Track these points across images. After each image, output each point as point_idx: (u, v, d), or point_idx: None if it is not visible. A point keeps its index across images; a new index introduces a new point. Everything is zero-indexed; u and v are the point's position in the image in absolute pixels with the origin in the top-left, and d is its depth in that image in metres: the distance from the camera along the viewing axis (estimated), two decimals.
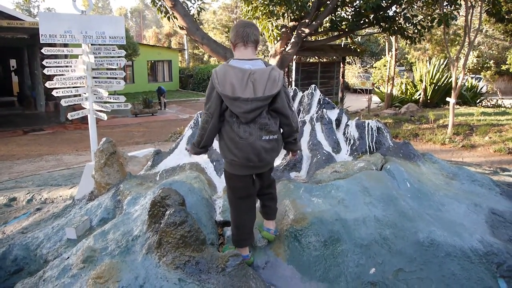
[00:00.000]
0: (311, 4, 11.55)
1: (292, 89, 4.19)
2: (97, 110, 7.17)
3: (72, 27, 6.75)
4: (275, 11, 11.50)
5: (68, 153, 11.53)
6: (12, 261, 3.04)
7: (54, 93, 6.94)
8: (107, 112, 7.11)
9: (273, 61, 11.84)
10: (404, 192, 2.88)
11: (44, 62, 7.06)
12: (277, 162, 3.47)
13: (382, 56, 18.13)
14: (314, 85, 4.18)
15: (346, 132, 3.72)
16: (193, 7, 11.20)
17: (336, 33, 12.58)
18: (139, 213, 2.67)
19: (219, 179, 3.32)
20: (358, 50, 13.36)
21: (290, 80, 13.62)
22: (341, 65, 14.12)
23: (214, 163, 3.47)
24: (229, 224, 2.93)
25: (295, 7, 11.60)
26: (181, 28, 10.67)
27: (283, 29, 11.91)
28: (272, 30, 11.74)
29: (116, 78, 7.37)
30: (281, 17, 12.00)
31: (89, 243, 2.53)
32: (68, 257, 2.56)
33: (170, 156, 3.67)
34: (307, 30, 11.50)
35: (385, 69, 16.39)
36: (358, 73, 16.48)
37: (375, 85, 17.74)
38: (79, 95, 7.09)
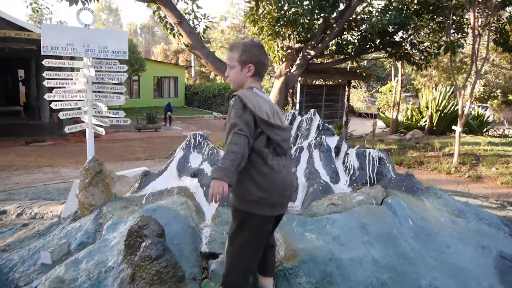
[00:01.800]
0: (317, 27, 11.51)
1: (290, 112, 4.02)
2: (95, 125, 7.05)
3: (75, 40, 6.68)
4: (281, 32, 11.47)
5: (66, 166, 11.39)
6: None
7: (52, 105, 6.84)
8: (109, 126, 6.99)
9: (278, 83, 11.75)
10: (406, 231, 2.66)
11: (44, 74, 6.98)
12: None
13: (388, 81, 18.05)
14: (313, 109, 4.01)
15: (345, 161, 3.52)
16: (199, 25, 11.18)
17: (342, 56, 12.53)
18: (117, 241, 2.47)
19: (208, 206, 3.11)
20: (364, 74, 13.26)
21: (295, 101, 13.50)
22: (347, 89, 13.99)
23: (204, 188, 3.26)
24: (215, 257, 2.71)
25: (301, 29, 11.57)
26: (186, 45, 10.63)
27: (289, 51, 11.85)
28: (278, 51, 11.68)
29: (116, 92, 7.27)
30: (287, 39, 11.96)
31: (59, 273, 2.32)
32: (36, 286, 2.35)
33: (158, 179, 3.47)
34: (312, 52, 11.43)
35: (391, 94, 16.26)
36: (364, 97, 16.36)
37: (380, 110, 17.58)
38: (78, 108, 6.97)
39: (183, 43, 10.86)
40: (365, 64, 14.24)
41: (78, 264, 2.36)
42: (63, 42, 6.70)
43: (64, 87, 6.83)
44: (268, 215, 2.04)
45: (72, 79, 6.90)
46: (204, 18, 11.24)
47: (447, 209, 3.18)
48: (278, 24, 11.34)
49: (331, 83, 14.86)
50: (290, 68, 11.75)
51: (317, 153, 3.53)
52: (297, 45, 12.07)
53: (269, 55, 12.25)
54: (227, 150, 1.88)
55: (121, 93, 7.31)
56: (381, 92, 17.36)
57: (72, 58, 7.74)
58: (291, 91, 13.44)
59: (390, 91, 16.68)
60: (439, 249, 2.60)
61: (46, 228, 4.33)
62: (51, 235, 3.42)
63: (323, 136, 3.63)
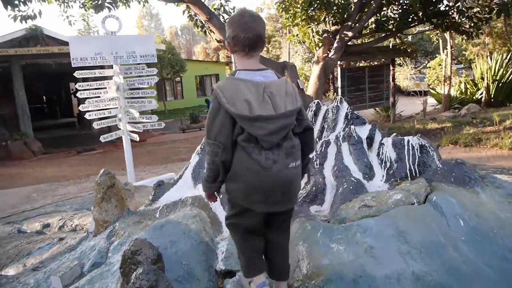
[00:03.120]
0: (353, 6, 10.82)
1: (314, 103, 3.59)
2: (130, 131, 7.02)
3: (103, 48, 6.65)
4: (315, 16, 10.90)
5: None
6: None
7: (87, 116, 6.88)
8: (160, 128, 7.00)
9: (316, 69, 11.21)
10: (456, 234, 2.18)
11: (76, 86, 7.02)
12: None
13: (437, 55, 16.78)
14: (340, 96, 3.55)
15: (380, 153, 3.05)
16: None
17: (383, 34, 11.72)
18: (119, 266, 2.23)
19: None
20: (409, 50, 12.34)
21: (336, 87, 12.88)
22: (391, 68, 13.12)
23: (221, 196, 2.95)
24: (233, 274, 2.41)
25: (336, 10, 10.94)
26: (218, 41, 10.41)
27: (325, 35, 11.26)
28: (313, 36, 11.15)
29: (148, 97, 7.20)
30: (322, 22, 11.37)
31: None
32: None
33: (173, 188, 3.20)
34: (350, 34, 10.77)
35: (441, 69, 15.07)
36: (410, 74, 15.29)
37: (430, 86, 16.40)
38: (112, 116, 6.96)
39: (215, 39, 10.66)
40: (410, 39, 13.24)
41: None
42: (92, 52, 6.68)
43: (98, 97, 6.84)
44: (253, 210, 1.86)
45: (104, 88, 6.89)
46: (234, 11, 10.96)
47: (509, 201, 2.64)
48: (311, 8, 10.81)
49: (373, 63, 14.03)
50: (328, 52, 11.17)
51: (346, 146, 3.09)
52: (333, 28, 11.45)
53: (305, 41, 11.75)
54: (206, 162, 1.88)
55: (153, 97, 7.23)
56: (429, 67, 16.16)
57: (101, 67, 7.80)
58: (331, 76, 12.85)
59: (440, 65, 15.47)
60: (501, 255, 2.10)
61: (77, 242, 4.25)
62: (77, 250, 3.29)
63: (352, 126, 3.18)
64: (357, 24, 10.95)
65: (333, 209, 2.61)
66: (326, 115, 3.43)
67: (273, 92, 1.75)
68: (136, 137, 7.10)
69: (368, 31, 12.02)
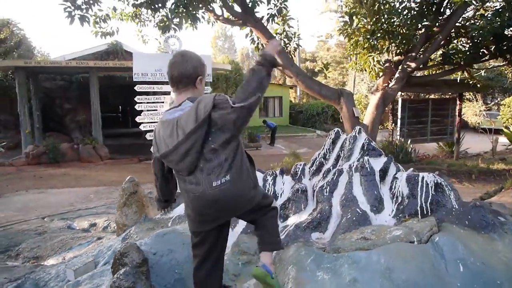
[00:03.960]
0: (418, 37, 10.53)
1: (334, 131, 3.56)
2: None
3: (162, 65, 7.12)
4: (377, 45, 10.75)
5: None
6: None
7: (141, 127, 7.35)
8: None
9: (375, 98, 10.99)
10: (451, 279, 2.04)
11: (136, 99, 7.55)
12: (302, 217, 2.88)
13: None
14: (359, 127, 3.48)
15: (393, 187, 2.95)
16: (290, 44, 11.11)
17: (450, 67, 11.22)
18: None
19: (232, 232, 2.86)
20: (479, 85, 11.66)
21: (396, 118, 12.48)
22: (458, 102, 12.46)
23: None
24: None
25: (399, 41, 10.72)
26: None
27: (387, 64, 11.03)
28: (374, 65, 10.97)
29: None
30: (385, 51, 11.18)
31: None
32: None
33: None
34: (413, 65, 10.46)
35: None
36: (480, 111, 14.36)
37: (504, 124, 15.25)
38: None
39: None
40: (483, 74, 12.51)
41: (77, 286, 2.33)
42: (152, 69, 7.18)
43: (155, 110, 7.29)
44: (197, 231, 2.07)
45: (162, 102, 7.34)
46: (294, 37, 11.16)
47: None
48: (374, 37, 10.69)
49: (438, 96, 13.41)
50: (389, 82, 10.91)
51: (358, 177, 3.02)
52: (396, 58, 11.20)
53: (365, 70, 11.59)
54: None
55: None
56: (504, 105, 15.05)
57: (161, 83, 8.31)
58: (391, 107, 12.49)
59: None
60: None
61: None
62: (97, 249, 3.53)
63: (367, 157, 3.10)
64: (421, 56, 10.63)
65: (333, 238, 2.57)
66: (343, 144, 3.40)
67: (183, 124, 1.88)
68: None
69: (434, 63, 11.59)
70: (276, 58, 2.00)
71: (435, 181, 2.79)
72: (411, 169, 3.14)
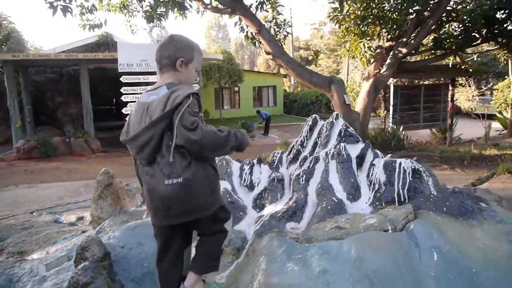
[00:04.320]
0: (409, 22, 10.40)
1: (311, 117, 3.48)
2: None
3: (148, 56, 6.96)
4: (368, 31, 10.63)
5: None
6: None
7: (127, 118, 7.24)
8: None
9: (366, 85, 10.91)
10: (424, 268, 1.97)
11: (122, 90, 7.41)
12: (278, 207, 2.81)
13: (507, 76, 15.50)
14: (336, 112, 3.40)
15: (370, 174, 2.87)
16: (280, 32, 10.96)
17: (442, 52, 11.11)
18: None
19: None
20: (471, 70, 11.56)
21: (388, 104, 12.40)
22: (450, 88, 12.38)
23: None
24: None
25: (390, 26, 10.60)
26: (267, 53, 10.50)
27: (378, 50, 10.92)
28: (365, 52, 10.85)
29: None
30: (376, 37, 11.06)
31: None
32: None
33: None
34: (404, 50, 10.37)
35: (509, 91, 13.91)
36: (473, 96, 14.27)
37: (498, 109, 15.19)
38: None
39: (264, 51, 10.76)
40: (476, 59, 12.41)
41: (43, 282, 2.26)
42: (138, 59, 7.03)
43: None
44: (154, 224, 1.99)
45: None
46: (284, 25, 11.01)
47: (511, 238, 2.36)
48: (364, 23, 10.57)
49: (430, 82, 13.32)
50: (380, 68, 10.82)
51: (334, 164, 2.94)
52: (387, 44, 11.09)
53: (356, 56, 11.48)
54: None
55: None
56: (497, 89, 14.99)
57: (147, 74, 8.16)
58: (383, 93, 12.39)
59: (509, 87, 14.31)
60: None
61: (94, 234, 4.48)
62: (72, 243, 3.46)
63: (343, 144, 3.02)
64: (413, 41, 10.52)
65: (308, 228, 2.50)
66: (321, 131, 3.31)
67: (152, 110, 1.80)
68: None
69: (425, 48, 11.48)
70: (242, 148, 1.92)
71: (413, 167, 2.71)
72: (389, 155, 3.06)
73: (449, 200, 2.46)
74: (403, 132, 11.45)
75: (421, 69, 11.66)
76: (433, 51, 11.26)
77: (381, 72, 10.71)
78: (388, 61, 10.56)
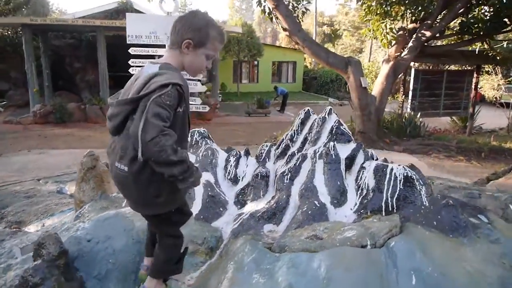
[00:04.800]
0: (435, 4, 9.83)
1: (304, 110, 3.26)
2: None
3: (157, 28, 6.80)
4: (391, 11, 10.12)
5: None
6: None
7: None
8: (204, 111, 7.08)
9: (385, 67, 10.49)
10: None
11: (130, 62, 7.28)
12: (259, 206, 2.66)
13: None
14: (330, 107, 3.17)
15: (359, 178, 2.68)
16: (298, 8, 10.55)
17: (468, 37, 10.52)
18: None
19: None
20: (499, 58, 10.95)
21: (407, 89, 11.95)
22: (475, 75, 11.81)
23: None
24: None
25: (415, 7, 10.05)
26: (284, 29, 10.16)
27: (400, 32, 10.43)
28: (387, 33, 10.38)
29: (194, 80, 7.28)
30: (399, 18, 10.53)
31: None
32: None
33: None
34: (428, 33, 9.85)
35: None
36: (499, 85, 13.60)
37: None
38: None
39: (281, 27, 10.41)
40: (506, 45, 11.73)
41: (8, 271, 2.20)
42: (146, 31, 6.87)
43: None
44: None
45: None
46: (303, 0, 10.58)
47: (504, 261, 2.16)
48: (388, 2, 10.06)
49: (454, 68, 12.74)
50: (401, 51, 10.36)
51: (321, 164, 2.74)
52: (410, 26, 10.55)
53: (377, 37, 11.00)
54: None
55: (199, 81, 7.29)
56: None
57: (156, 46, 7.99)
58: (403, 77, 11.93)
59: None
60: None
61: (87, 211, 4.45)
62: (54, 225, 3.42)
63: (332, 143, 2.81)
64: (438, 24, 9.98)
65: (285, 233, 2.36)
66: (312, 126, 3.10)
67: (135, 85, 1.71)
68: None
69: (451, 33, 10.90)
70: (185, 184, 1.69)
71: (405, 174, 2.50)
72: (383, 158, 2.84)
73: (441, 214, 2.26)
74: (420, 119, 11.06)
75: (445, 54, 11.13)
76: (459, 36, 10.66)
77: (402, 55, 10.26)
78: (410, 44, 10.09)
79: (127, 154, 1.67)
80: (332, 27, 31.80)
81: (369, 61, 24.17)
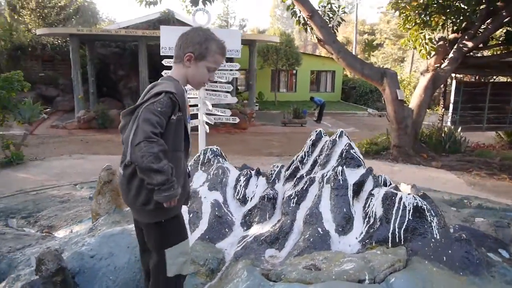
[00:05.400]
0: (479, 12, 9.39)
1: (315, 132, 3.16)
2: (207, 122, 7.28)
3: None
4: (430, 21, 9.77)
5: None
6: None
7: None
8: (213, 124, 7.18)
9: (424, 80, 10.13)
10: None
11: (163, 73, 7.45)
12: (264, 229, 2.61)
13: None
14: (341, 129, 3.05)
15: (367, 205, 2.55)
16: (333, 19, 10.43)
17: None
18: None
19: (190, 235, 2.68)
20: None
21: (448, 102, 11.46)
22: None
23: (191, 215, 2.82)
24: None
25: (456, 17, 9.65)
26: (318, 40, 10.07)
27: (440, 42, 10.05)
28: (426, 43, 10.04)
29: (223, 91, 7.37)
30: (438, 29, 10.15)
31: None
32: None
33: None
34: (470, 44, 9.43)
35: None
36: None
37: None
38: (192, 105, 7.29)
39: (316, 37, 10.33)
40: None
41: (17, 281, 2.29)
42: None
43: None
44: None
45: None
46: (339, 11, 10.44)
47: None
48: (427, 12, 9.73)
49: (499, 80, 12.08)
50: (441, 62, 9.97)
51: (328, 189, 2.64)
52: (451, 36, 10.14)
53: (415, 48, 10.66)
54: None
55: (228, 92, 7.36)
56: None
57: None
58: (443, 89, 11.46)
59: None
60: None
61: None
62: (68, 236, 3.53)
63: (340, 168, 2.70)
64: (481, 34, 9.53)
65: (285, 259, 2.29)
66: (323, 148, 3.01)
67: (148, 88, 1.86)
68: (207, 129, 7.33)
69: (495, 43, 10.36)
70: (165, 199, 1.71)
71: (415, 204, 2.36)
72: (394, 185, 2.70)
73: (452, 248, 2.11)
74: (461, 133, 10.55)
75: (489, 65, 10.59)
76: (505, 46, 10.13)
77: (442, 66, 9.88)
78: (451, 54, 9.70)
79: (123, 159, 1.76)
80: (373, 36, 31.18)
81: (410, 71, 23.44)
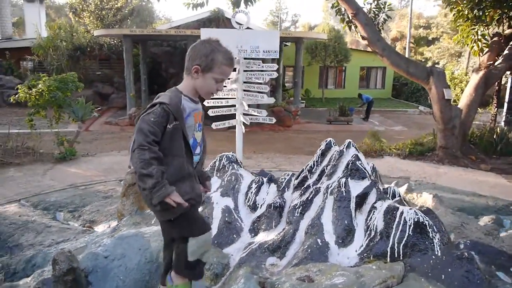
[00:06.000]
0: None
1: (325, 141, 3.12)
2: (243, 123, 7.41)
3: (230, 41, 7.08)
4: (483, 16, 9.22)
5: (245, 152, 12.36)
6: (32, 266, 3.37)
7: (205, 103, 7.54)
8: (249, 124, 7.27)
9: (475, 77, 9.60)
10: None
11: None
12: (269, 236, 2.65)
13: None
14: (349, 140, 2.99)
15: (369, 218, 2.51)
16: (378, 16, 10.13)
17: None
18: None
19: None
20: None
21: (502, 102, 10.77)
22: None
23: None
24: None
25: None
26: (363, 38, 9.84)
27: (494, 39, 9.46)
28: (479, 40, 9.50)
29: (260, 92, 7.45)
30: (493, 24, 9.54)
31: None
32: None
33: None
34: None
35: None
36: None
37: None
38: (227, 106, 7.44)
39: (360, 35, 10.10)
40: None
41: (40, 277, 2.52)
42: None
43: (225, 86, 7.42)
44: None
45: (229, 78, 7.42)
46: (385, 8, 10.12)
47: None
48: (481, 6, 9.18)
49: None
50: (495, 60, 9.38)
51: (331, 200, 2.63)
52: (508, 31, 9.50)
53: (467, 44, 10.11)
54: None
55: (265, 93, 7.43)
56: None
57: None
58: (497, 87, 10.77)
59: None
60: None
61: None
62: (96, 234, 3.76)
63: (344, 179, 2.66)
64: None
65: (284, 269, 2.33)
66: (331, 159, 2.98)
67: None
68: (242, 129, 7.44)
69: None
70: (152, 200, 1.81)
71: (416, 219, 2.29)
72: (397, 198, 2.63)
73: (451, 266, 2.04)
74: None
75: None
76: None
77: (496, 64, 9.29)
78: (506, 51, 9.11)
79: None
80: (429, 30, 29.75)
81: (467, 67, 22.15)
